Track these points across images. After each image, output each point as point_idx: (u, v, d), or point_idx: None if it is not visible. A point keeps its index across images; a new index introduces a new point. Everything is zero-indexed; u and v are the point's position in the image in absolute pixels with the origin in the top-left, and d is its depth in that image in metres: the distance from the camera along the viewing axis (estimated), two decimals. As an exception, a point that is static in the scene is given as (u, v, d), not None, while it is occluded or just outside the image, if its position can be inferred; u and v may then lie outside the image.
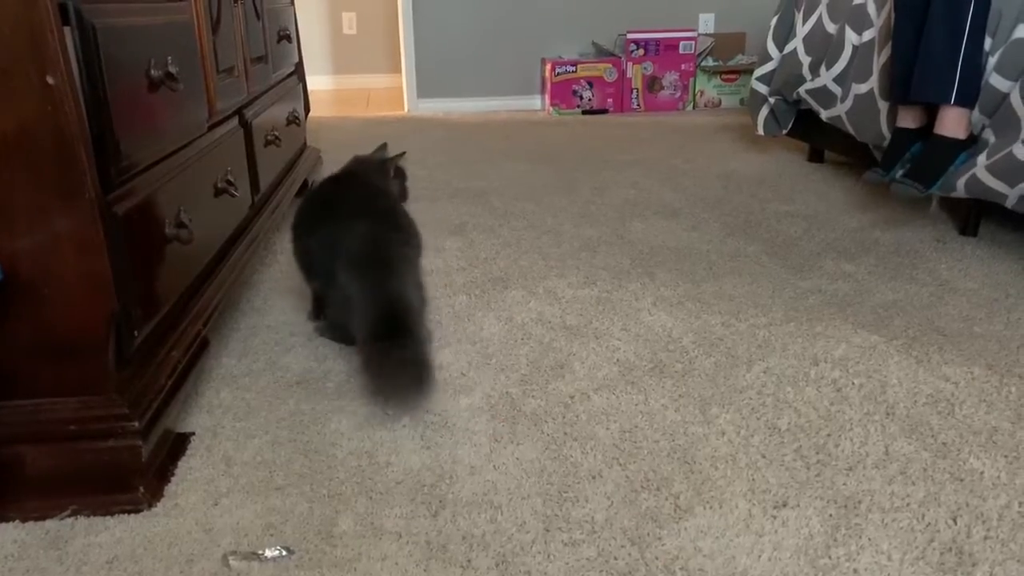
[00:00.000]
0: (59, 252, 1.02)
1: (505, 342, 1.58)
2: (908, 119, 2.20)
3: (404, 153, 1.82)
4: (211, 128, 1.57)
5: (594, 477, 1.15)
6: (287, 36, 2.42)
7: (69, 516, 1.08)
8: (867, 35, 2.41)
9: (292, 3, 2.67)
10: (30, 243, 1.01)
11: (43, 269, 1.02)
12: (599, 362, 1.49)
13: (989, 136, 1.98)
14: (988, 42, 1.97)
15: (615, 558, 0.99)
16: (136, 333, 1.14)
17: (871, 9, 2.40)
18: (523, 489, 1.13)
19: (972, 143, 2.02)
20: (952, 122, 2.01)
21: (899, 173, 2.16)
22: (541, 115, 4.48)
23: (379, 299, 1.37)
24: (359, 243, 1.43)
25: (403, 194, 1.79)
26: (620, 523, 1.05)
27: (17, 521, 1.07)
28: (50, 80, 0.95)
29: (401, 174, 1.80)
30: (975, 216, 2.17)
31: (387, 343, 1.31)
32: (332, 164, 3.01)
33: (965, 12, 1.95)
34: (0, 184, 0.98)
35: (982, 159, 1.95)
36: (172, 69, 1.27)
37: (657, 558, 0.99)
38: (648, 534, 1.03)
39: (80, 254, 1.03)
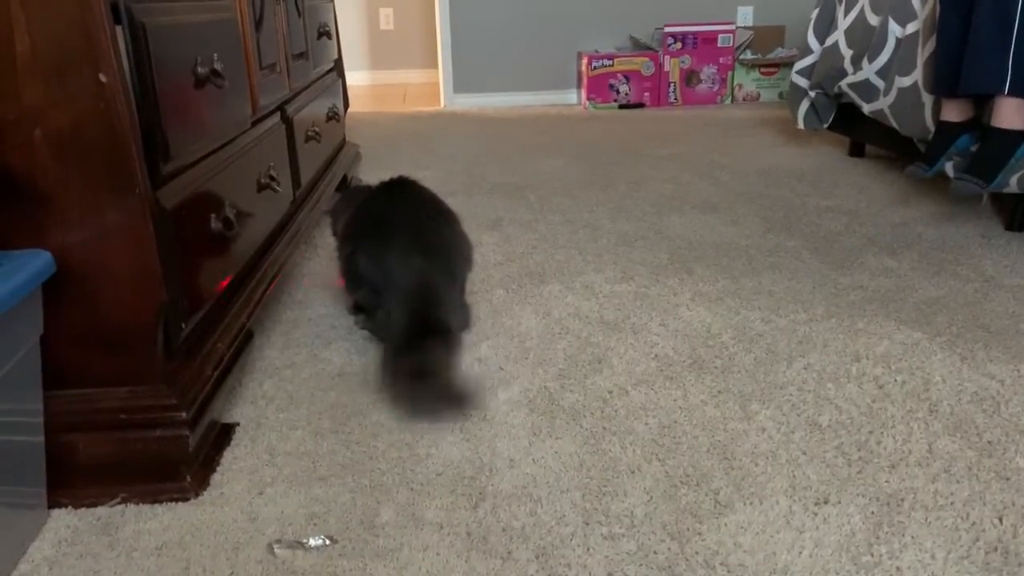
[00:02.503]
0: (110, 245, 1.05)
1: (543, 337, 1.59)
2: (953, 113, 2.16)
3: None
4: (254, 124, 1.60)
5: (633, 472, 1.15)
6: (327, 32, 2.45)
7: (119, 503, 1.10)
8: (911, 27, 2.37)
9: (331, -1, 2.70)
10: (82, 236, 1.04)
11: (94, 262, 1.05)
12: (637, 357, 1.49)
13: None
14: (1037, 33, 1.93)
15: (655, 552, 0.99)
16: (183, 325, 1.17)
17: (915, 1, 2.36)
18: (562, 483, 1.13)
19: None
20: (1009, 113, 1.97)
21: (948, 166, 2.13)
22: (577, 109, 4.47)
23: (419, 323, 1.41)
24: (412, 280, 1.44)
25: None
26: (660, 518, 1.05)
27: (70, 507, 1.10)
28: (103, 78, 0.97)
29: None
30: (1022, 211, 2.13)
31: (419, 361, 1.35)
32: (370, 159, 3.04)
33: (1015, 1, 1.92)
34: (54, 179, 1.01)
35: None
36: (217, 66, 1.29)
37: (697, 553, 0.99)
38: (688, 529, 1.03)
39: (130, 247, 1.05)
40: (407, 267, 1.44)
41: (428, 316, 1.42)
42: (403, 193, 1.60)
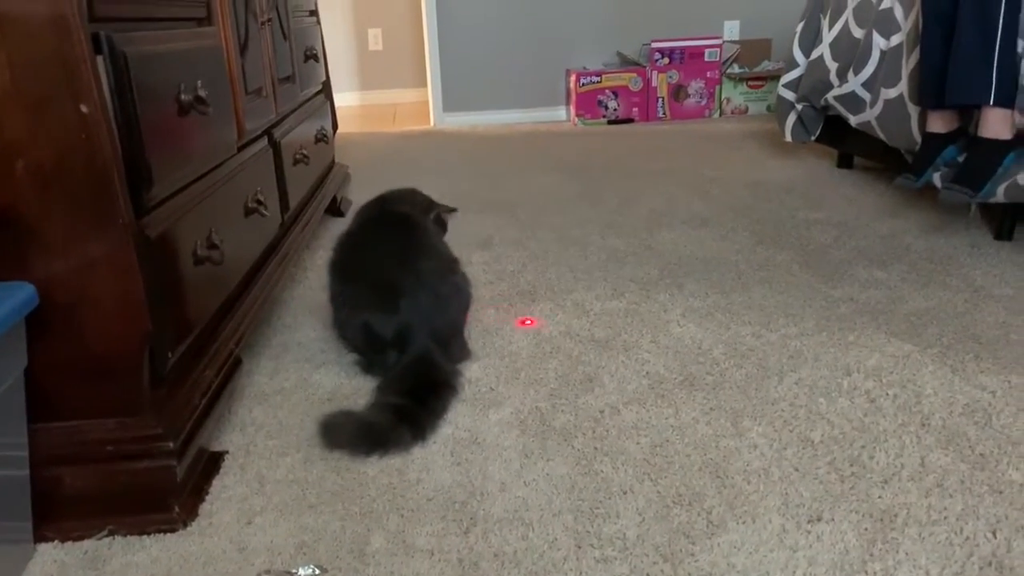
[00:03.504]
0: (94, 276, 1.04)
1: (534, 356, 1.58)
2: (938, 124, 2.17)
3: (455, 210, 1.78)
4: (240, 149, 1.59)
5: (625, 492, 1.14)
6: (314, 55, 2.45)
7: (106, 536, 1.09)
8: (895, 39, 2.39)
9: (318, 22, 2.70)
10: (66, 268, 1.03)
11: (78, 293, 1.04)
12: (628, 375, 1.49)
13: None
14: (1020, 44, 1.95)
15: (648, 575, 0.99)
16: (170, 354, 1.16)
17: (898, 13, 2.38)
18: (554, 505, 1.12)
19: (1019, 143, 1.98)
20: (995, 123, 1.98)
21: (935, 176, 2.14)
22: (567, 126, 4.48)
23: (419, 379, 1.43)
24: (414, 354, 1.44)
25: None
26: (652, 539, 1.05)
27: (56, 541, 1.08)
28: (84, 109, 0.97)
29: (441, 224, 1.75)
30: (1010, 220, 2.13)
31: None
32: (360, 180, 3.04)
33: (996, 12, 1.93)
34: (37, 211, 1.00)
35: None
36: (201, 93, 1.29)
37: (690, 574, 0.98)
38: (681, 550, 1.02)
39: (114, 278, 1.04)
40: (411, 338, 1.44)
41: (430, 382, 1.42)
42: (406, 243, 1.53)
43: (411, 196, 1.74)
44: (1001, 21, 1.93)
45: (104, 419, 1.10)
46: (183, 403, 1.17)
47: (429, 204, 1.74)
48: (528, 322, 1.74)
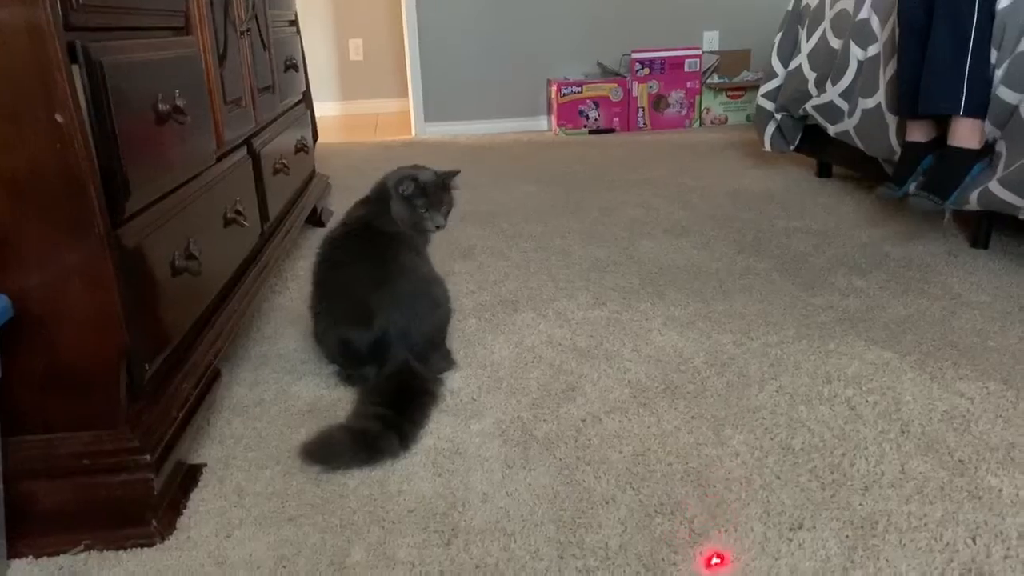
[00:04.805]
0: (69, 287, 1.03)
1: (516, 366, 1.58)
2: (917, 133, 2.19)
3: (456, 172, 1.75)
4: (219, 159, 1.58)
5: (607, 502, 1.14)
6: (294, 65, 2.44)
7: (82, 551, 1.07)
8: (872, 50, 2.42)
9: (298, 32, 2.70)
10: (40, 279, 1.02)
11: (53, 305, 1.03)
12: (610, 384, 1.49)
13: (1002, 148, 1.97)
14: (994, 54, 1.97)
15: (630, 585, 0.98)
16: (147, 366, 1.15)
17: (875, 24, 2.41)
18: (536, 516, 1.12)
19: (988, 152, 2.01)
20: (965, 133, 2.01)
21: (912, 186, 2.16)
22: (548, 136, 4.49)
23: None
24: (395, 365, 1.44)
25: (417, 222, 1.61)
26: (635, 549, 1.04)
27: (31, 557, 1.07)
28: (59, 118, 0.96)
29: (434, 189, 1.69)
30: (986, 228, 2.16)
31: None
32: (341, 190, 3.03)
33: (969, 23, 1.96)
34: (11, 221, 0.99)
35: (995, 172, 1.94)
36: (179, 102, 1.28)
37: (672, 584, 0.98)
38: (663, 559, 1.02)
39: (90, 289, 1.03)
40: (389, 352, 1.45)
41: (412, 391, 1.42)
42: (385, 258, 1.52)
43: (412, 172, 1.70)
44: (973, 31, 1.96)
45: (80, 432, 1.08)
46: (161, 416, 1.16)
47: (433, 176, 1.73)
48: (717, 561, 1.07)
